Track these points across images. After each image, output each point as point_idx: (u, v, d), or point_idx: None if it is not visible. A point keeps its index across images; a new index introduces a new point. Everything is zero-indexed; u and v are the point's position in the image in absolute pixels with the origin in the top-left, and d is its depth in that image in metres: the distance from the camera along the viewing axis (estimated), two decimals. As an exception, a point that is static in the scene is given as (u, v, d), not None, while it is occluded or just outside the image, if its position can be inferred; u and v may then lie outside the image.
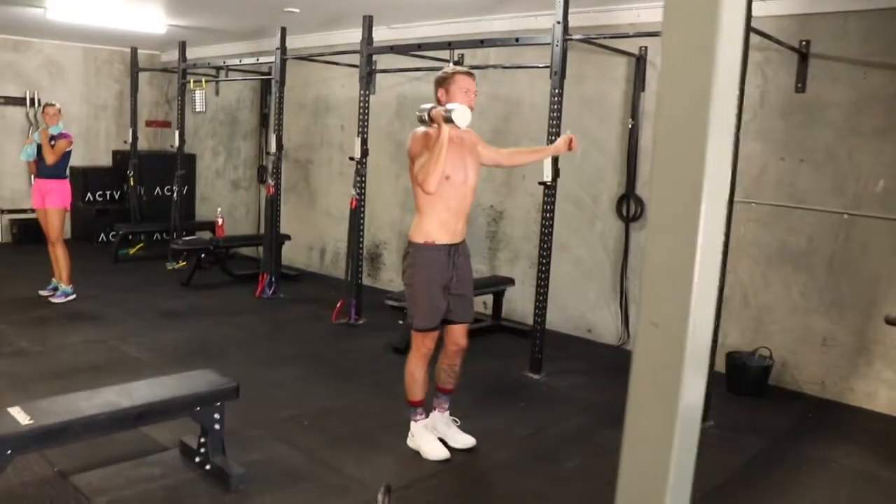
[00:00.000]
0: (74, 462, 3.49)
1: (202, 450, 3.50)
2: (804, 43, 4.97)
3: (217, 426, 3.47)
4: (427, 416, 3.98)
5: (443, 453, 3.83)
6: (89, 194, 9.92)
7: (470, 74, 3.79)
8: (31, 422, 2.87)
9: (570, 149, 4.12)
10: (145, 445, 3.75)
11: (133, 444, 3.71)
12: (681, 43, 1.14)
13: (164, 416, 3.45)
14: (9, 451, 2.81)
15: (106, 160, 10.48)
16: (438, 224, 3.72)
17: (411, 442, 3.95)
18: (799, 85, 5.04)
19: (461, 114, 3.52)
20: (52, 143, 6.54)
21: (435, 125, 3.60)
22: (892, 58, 4.67)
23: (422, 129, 3.71)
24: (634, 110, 5.87)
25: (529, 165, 5.01)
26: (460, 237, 3.83)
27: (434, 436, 3.92)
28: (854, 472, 3.99)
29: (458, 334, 3.92)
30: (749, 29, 4.18)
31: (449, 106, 3.58)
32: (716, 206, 1.13)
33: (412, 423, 3.95)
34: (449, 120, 3.52)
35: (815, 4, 4.91)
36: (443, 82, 3.75)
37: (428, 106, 3.66)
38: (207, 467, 3.48)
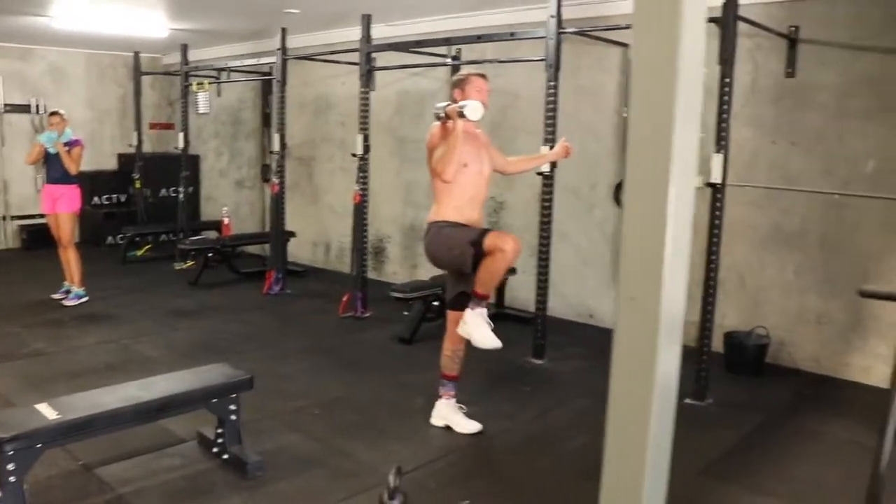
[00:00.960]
0: (98, 456, 3.63)
1: (219, 440, 3.66)
2: (793, 29, 5.09)
3: (233, 417, 3.63)
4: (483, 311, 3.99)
5: (494, 343, 3.89)
6: (96, 198, 10.09)
7: (482, 76, 4.10)
8: (59, 416, 3.02)
9: (566, 155, 4.48)
10: (165, 438, 3.90)
11: (153, 437, 3.86)
12: (647, 39, 1.28)
13: (182, 408, 3.58)
14: (39, 445, 2.96)
15: (111, 164, 10.63)
16: (455, 210, 3.96)
17: (462, 329, 3.96)
18: (789, 70, 5.17)
19: (473, 108, 3.83)
20: (68, 149, 6.68)
21: (451, 121, 3.87)
22: (878, 41, 4.79)
23: (438, 123, 3.97)
24: (629, 99, 5.98)
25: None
26: (477, 226, 4.01)
27: (488, 327, 3.94)
28: (848, 442, 4.12)
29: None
30: (736, 17, 4.31)
31: (462, 102, 3.89)
32: (683, 189, 1.27)
33: (470, 312, 3.93)
34: (462, 114, 3.82)
35: (803, -9, 5.03)
36: (459, 84, 4.08)
37: (444, 104, 3.96)
38: (225, 457, 3.63)
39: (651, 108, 1.24)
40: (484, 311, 3.98)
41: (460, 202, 3.96)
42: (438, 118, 3.95)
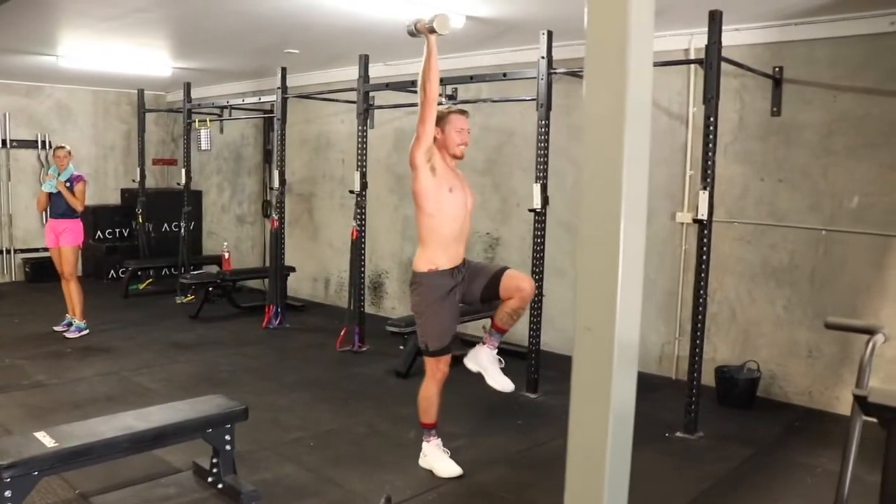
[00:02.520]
0: (95, 485, 3.70)
1: (214, 470, 3.72)
2: (777, 69, 5.23)
3: (228, 447, 3.69)
4: (439, 437, 4.11)
5: (455, 470, 4.01)
6: (99, 232, 10.22)
7: (463, 113, 4.03)
8: (56, 444, 3.10)
9: None
10: (161, 468, 3.96)
11: (150, 467, 3.93)
12: (597, 84, 1.38)
13: (177, 438, 3.66)
14: (36, 472, 3.03)
15: (115, 199, 10.79)
16: (441, 249, 3.92)
17: (423, 462, 4.11)
18: (774, 109, 5.29)
19: (441, 21, 3.66)
20: (68, 184, 6.83)
21: (423, 37, 3.74)
22: (858, 81, 4.93)
23: (414, 139, 3.86)
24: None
25: (523, 192, 5.28)
26: (461, 260, 4.03)
27: (446, 455, 4.07)
28: (837, 475, 4.15)
29: (512, 284, 3.95)
30: (720, 59, 4.45)
31: (431, 16, 3.68)
32: (634, 223, 1.36)
33: (425, 444, 4.11)
34: (433, 30, 3.66)
35: (786, 33, 5.17)
36: (439, 121, 3.95)
37: (414, 19, 3.75)
38: (219, 486, 3.69)
39: (601, 147, 1.34)
40: (439, 441, 4.10)
41: (446, 238, 3.90)
42: (410, 34, 3.80)
